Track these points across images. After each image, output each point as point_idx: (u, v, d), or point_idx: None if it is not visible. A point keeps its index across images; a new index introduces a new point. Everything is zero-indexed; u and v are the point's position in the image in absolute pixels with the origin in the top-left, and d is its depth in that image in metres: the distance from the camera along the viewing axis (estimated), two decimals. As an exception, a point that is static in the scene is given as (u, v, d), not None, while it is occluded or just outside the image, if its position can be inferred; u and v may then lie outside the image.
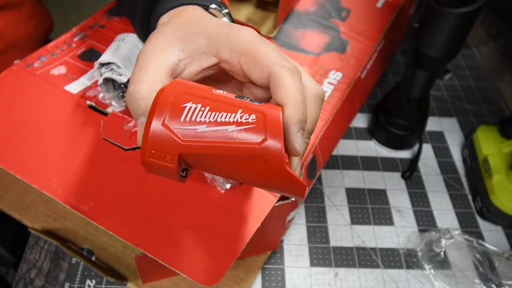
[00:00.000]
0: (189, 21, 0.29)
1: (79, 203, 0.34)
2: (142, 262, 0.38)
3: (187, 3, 0.32)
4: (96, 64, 0.39)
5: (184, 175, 0.26)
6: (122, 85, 0.39)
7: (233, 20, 0.35)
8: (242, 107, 0.24)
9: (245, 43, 0.26)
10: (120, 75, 0.38)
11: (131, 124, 0.38)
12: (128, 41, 0.40)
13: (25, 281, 0.44)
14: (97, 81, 0.43)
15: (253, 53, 0.26)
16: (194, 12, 0.31)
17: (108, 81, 0.39)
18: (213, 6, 0.32)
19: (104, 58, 0.39)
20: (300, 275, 0.46)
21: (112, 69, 0.38)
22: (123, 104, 0.40)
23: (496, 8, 0.71)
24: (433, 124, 0.62)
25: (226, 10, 0.34)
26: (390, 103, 0.55)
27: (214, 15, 0.33)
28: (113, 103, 0.40)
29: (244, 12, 0.53)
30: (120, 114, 0.40)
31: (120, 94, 0.40)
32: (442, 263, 0.47)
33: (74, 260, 0.45)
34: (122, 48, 0.39)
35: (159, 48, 0.28)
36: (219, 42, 0.27)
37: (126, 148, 0.37)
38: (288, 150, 0.25)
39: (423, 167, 0.57)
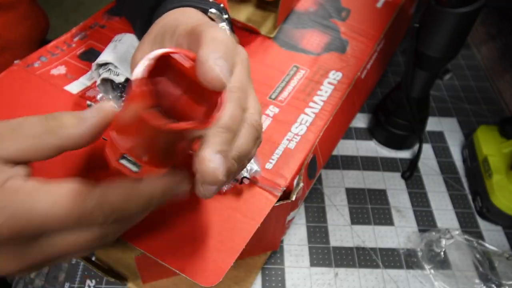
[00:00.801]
0: (175, 19, 0.28)
1: (79, 203, 0.34)
2: (142, 262, 0.38)
3: (187, 5, 0.31)
4: (94, 65, 0.39)
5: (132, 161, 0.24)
6: (120, 85, 0.39)
7: (232, 27, 0.35)
8: None
9: (196, 25, 0.26)
10: (118, 75, 0.38)
11: (131, 124, 0.38)
12: (125, 41, 0.40)
13: (25, 281, 0.44)
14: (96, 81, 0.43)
15: (199, 32, 0.25)
16: (189, 13, 0.30)
17: (106, 81, 0.40)
18: (212, 10, 0.32)
19: (101, 59, 0.39)
20: (300, 275, 0.46)
21: (109, 69, 0.38)
22: (122, 104, 0.40)
23: (496, 8, 0.71)
24: (433, 124, 0.62)
25: (226, 16, 0.33)
26: (390, 103, 0.55)
27: (212, 20, 0.32)
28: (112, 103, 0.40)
29: (244, 12, 0.53)
30: (120, 114, 0.40)
31: (119, 94, 0.40)
32: (442, 263, 0.47)
33: (74, 260, 0.45)
34: (119, 48, 0.39)
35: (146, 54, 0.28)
36: (180, 29, 0.27)
37: (126, 148, 0.37)
38: (203, 75, 0.22)
39: (423, 167, 0.57)
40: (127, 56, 0.39)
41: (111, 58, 0.38)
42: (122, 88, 0.39)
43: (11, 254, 0.22)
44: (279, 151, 0.39)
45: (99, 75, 0.39)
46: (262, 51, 0.49)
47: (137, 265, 0.39)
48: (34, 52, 0.45)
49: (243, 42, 0.49)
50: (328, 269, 0.47)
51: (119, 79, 0.38)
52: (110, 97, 0.40)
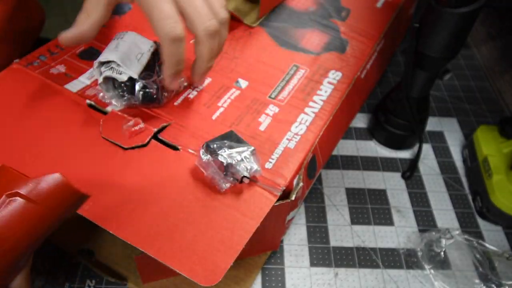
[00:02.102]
0: None
1: (78, 203, 0.34)
2: (142, 262, 0.38)
3: None
4: (96, 63, 0.39)
5: None
6: (122, 84, 0.39)
7: None
8: None
9: None
10: (120, 73, 0.38)
11: (131, 123, 0.38)
12: (127, 39, 0.40)
13: (25, 281, 0.44)
14: (96, 80, 0.43)
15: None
16: None
17: (108, 80, 0.39)
18: None
19: (103, 57, 0.39)
20: (300, 275, 0.46)
21: (112, 67, 0.38)
22: (124, 103, 0.40)
23: (496, 8, 0.72)
24: (433, 124, 0.62)
25: None
26: (390, 103, 0.55)
27: None
28: (113, 102, 0.40)
29: (233, 1, 0.53)
30: (119, 113, 0.40)
31: (120, 93, 0.40)
32: (442, 263, 0.47)
33: (74, 260, 0.45)
34: (121, 46, 0.39)
35: None
36: None
37: (125, 147, 0.37)
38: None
39: (423, 167, 0.57)
40: (130, 54, 0.39)
41: (114, 56, 0.38)
42: (124, 87, 0.39)
43: None
44: (279, 150, 0.39)
45: (101, 74, 0.39)
46: (262, 50, 0.49)
47: (137, 265, 0.39)
48: (35, 50, 0.45)
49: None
50: (328, 269, 0.47)
51: (122, 77, 0.38)
52: (112, 95, 0.40)
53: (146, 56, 0.39)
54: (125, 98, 0.40)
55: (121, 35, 0.41)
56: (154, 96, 0.40)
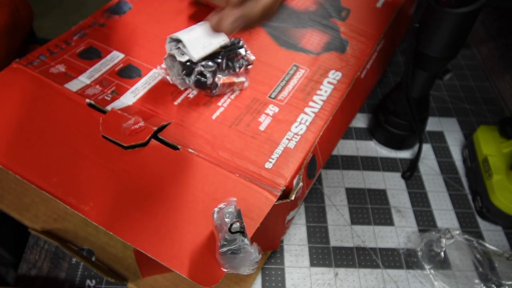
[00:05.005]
0: None
1: (78, 203, 0.34)
2: (142, 256, 0.38)
3: None
4: (168, 38, 0.41)
5: None
6: (181, 63, 0.41)
7: None
8: None
9: None
10: (183, 54, 0.40)
11: (131, 122, 0.38)
12: (204, 27, 0.41)
13: (25, 281, 0.44)
14: (96, 79, 0.43)
15: None
16: None
17: (173, 57, 0.42)
18: None
19: (175, 35, 0.41)
20: (300, 275, 0.46)
21: (178, 47, 0.40)
22: (178, 81, 0.42)
23: (496, 8, 0.71)
24: (433, 124, 0.62)
25: None
26: (390, 103, 0.55)
27: None
28: (172, 79, 0.43)
29: None
30: (119, 112, 0.40)
31: (179, 72, 0.42)
32: (442, 263, 0.47)
33: (74, 260, 0.45)
34: (195, 31, 0.41)
35: None
36: None
37: (125, 146, 0.37)
38: None
39: (423, 167, 0.57)
40: (199, 40, 0.41)
41: (183, 37, 0.40)
42: (183, 68, 0.41)
43: None
44: (279, 150, 0.39)
45: (170, 50, 0.41)
46: (262, 50, 0.49)
47: (136, 259, 0.39)
48: (35, 50, 0.45)
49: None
50: (328, 269, 0.46)
51: (182, 58, 0.40)
52: (173, 73, 0.42)
53: (213, 47, 0.41)
54: (181, 77, 0.42)
55: (202, 22, 0.43)
56: (208, 83, 0.41)
